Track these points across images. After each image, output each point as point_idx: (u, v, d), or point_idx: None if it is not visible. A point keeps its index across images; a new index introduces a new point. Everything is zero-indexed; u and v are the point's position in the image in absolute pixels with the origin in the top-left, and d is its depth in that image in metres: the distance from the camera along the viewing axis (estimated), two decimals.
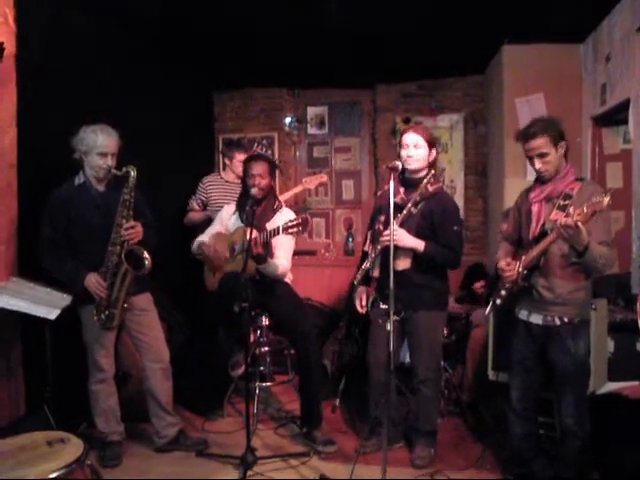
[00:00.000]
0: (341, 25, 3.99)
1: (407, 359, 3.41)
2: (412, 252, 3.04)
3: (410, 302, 3.08)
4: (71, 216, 2.99)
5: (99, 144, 2.95)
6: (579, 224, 2.25)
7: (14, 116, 3.03)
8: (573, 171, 2.66)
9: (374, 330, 3.25)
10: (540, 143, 2.55)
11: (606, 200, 2.20)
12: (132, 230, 2.96)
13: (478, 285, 4.32)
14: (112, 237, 2.96)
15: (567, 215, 2.33)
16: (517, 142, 2.68)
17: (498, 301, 2.74)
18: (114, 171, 2.99)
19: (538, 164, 2.57)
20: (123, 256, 2.94)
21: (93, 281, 2.96)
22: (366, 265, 3.16)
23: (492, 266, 2.86)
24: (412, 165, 3.05)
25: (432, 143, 3.07)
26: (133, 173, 2.96)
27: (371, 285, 3.33)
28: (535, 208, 2.67)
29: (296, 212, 3.61)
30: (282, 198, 4.17)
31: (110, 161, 2.99)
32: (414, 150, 3.05)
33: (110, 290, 2.98)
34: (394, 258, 2.89)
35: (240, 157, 4.38)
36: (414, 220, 3.03)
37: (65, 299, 2.96)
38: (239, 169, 4.36)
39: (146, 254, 2.95)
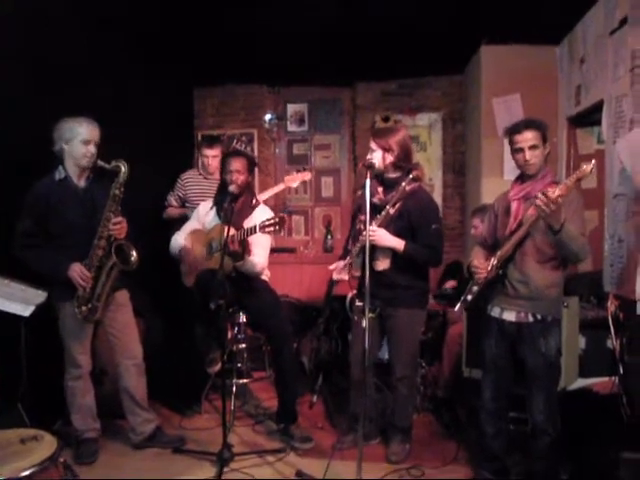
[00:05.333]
0: (321, 23, 3.99)
1: (386, 356, 3.44)
2: (391, 252, 3.06)
3: (390, 300, 3.11)
4: (51, 211, 2.97)
5: (82, 131, 2.95)
6: (559, 200, 2.33)
7: None
8: (551, 174, 2.74)
9: (354, 328, 3.27)
10: (533, 135, 2.62)
11: (589, 167, 2.30)
12: (119, 225, 2.96)
13: (449, 285, 4.37)
14: (99, 231, 2.94)
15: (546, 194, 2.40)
16: (505, 136, 2.75)
17: (469, 297, 2.78)
18: (101, 163, 2.97)
19: (528, 155, 2.62)
20: (113, 250, 2.93)
21: (77, 271, 2.93)
22: (347, 261, 3.17)
23: (465, 267, 2.90)
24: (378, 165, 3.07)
25: (385, 149, 3.07)
26: (124, 168, 2.94)
27: (352, 284, 3.34)
28: (514, 205, 2.72)
29: (275, 211, 3.61)
30: (262, 197, 4.16)
31: (93, 149, 2.98)
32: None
33: (94, 283, 2.96)
34: (374, 259, 2.90)
35: (206, 152, 4.35)
36: (392, 220, 3.06)
37: (40, 296, 2.93)
38: (207, 164, 4.33)
39: (133, 250, 2.95)
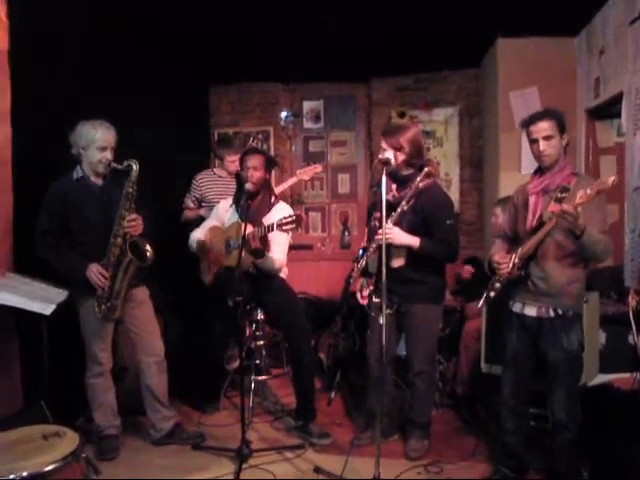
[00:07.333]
0: (336, 19, 3.99)
1: (404, 352, 3.43)
2: (406, 249, 3.06)
3: (407, 296, 3.11)
4: (70, 209, 3.01)
5: (98, 138, 2.97)
6: (579, 209, 2.30)
7: (8, 111, 3.03)
8: (570, 166, 2.69)
9: (372, 324, 3.27)
10: (548, 125, 2.58)
11: (611, 180, 2.27)
12: (134, 223, 2.98)
13: (466, 269, 4.31)
14: (114, 229, 2.97)
15: (566, 201, 2.38)
16: (522, 128, 2.72)
17: (492, 294, 2.74)
18: (114, 165, 3.00)
19: (543, 146, 2.58)
20: (127, 247, 2.96)
21: (95, 271, 2.97)
22: (362, 263, 3.17)
23: (485, 262, 2.87)
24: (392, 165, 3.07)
25: (396, 147, 3.06)
26: (135, 167, 2.97)
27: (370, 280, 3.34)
28: (532, 199, 2.69)
29: (290, 205, 3.61)
30: (277, 190, 4.17)
31: (109, 155, 3.01)
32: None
33: (112, 281, 3.00)
34: (389, 256, 2.90)
35: (230, 158, 4.31)
36: (406, 216, 3.05)
37: (61, 294, 2.97)
38: (231, 168, 4.33)
39: (148, 246, 2.98)
